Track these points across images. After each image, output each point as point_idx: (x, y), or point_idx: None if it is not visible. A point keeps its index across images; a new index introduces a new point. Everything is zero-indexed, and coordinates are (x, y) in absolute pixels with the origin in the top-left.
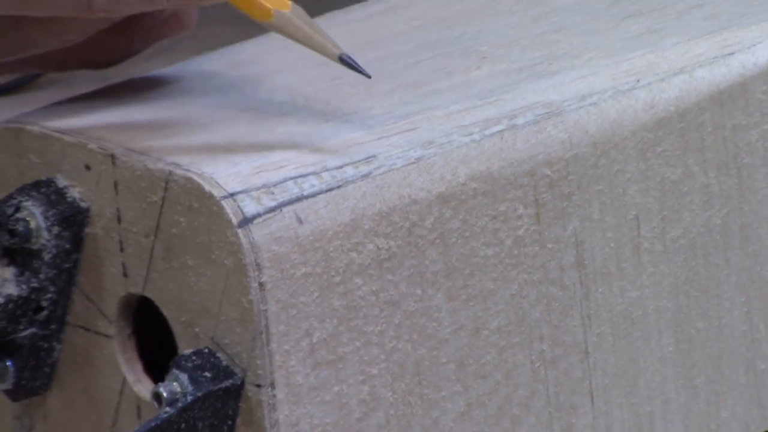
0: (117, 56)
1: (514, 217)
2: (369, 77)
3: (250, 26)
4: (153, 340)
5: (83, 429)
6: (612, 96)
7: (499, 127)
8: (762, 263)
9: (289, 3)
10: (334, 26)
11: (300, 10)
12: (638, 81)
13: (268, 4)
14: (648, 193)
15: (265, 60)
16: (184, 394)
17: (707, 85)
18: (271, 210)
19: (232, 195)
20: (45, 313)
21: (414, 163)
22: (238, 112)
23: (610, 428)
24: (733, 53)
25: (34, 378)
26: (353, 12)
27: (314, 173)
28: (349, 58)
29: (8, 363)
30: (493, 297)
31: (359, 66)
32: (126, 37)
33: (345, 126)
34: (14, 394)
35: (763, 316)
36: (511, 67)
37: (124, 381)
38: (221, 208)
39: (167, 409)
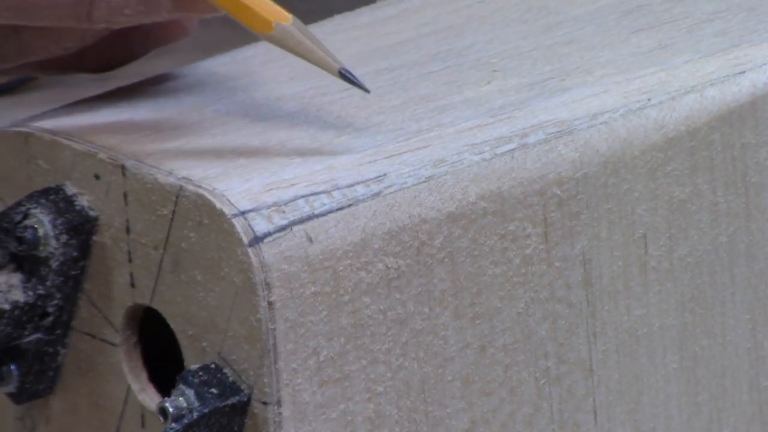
0: (116, 61)
1: (522, 236)
2: (368, 92)
3: None
4: (158, 347)
5: None
6: (623, 115)
7: (510, 146)
8: (767, 281)
9: (290, 16)
10: (343, 30)
11: (300, 23)
12: (649, 100)
13: (268, 17)
14: (656, 212)
15: (276, 66)
16: (191, 410)
17: (717, 104)
18: (282, 229)
19: (242, 213)
20: (50, 318)
21: (425, 182)
22: (250, 122)
23: None
24: (744, 72)
25: (38, 381)
26: (362, 15)
27: (325, 192)
28: (349, 72)
29: (12, 367)
30: (500, 315)
31: (358, 80)
32: (125, 43)
33: (356, 142)
34: (17, 397)
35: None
36: (522, 82)
37: (128, 389)
38: (232, 226)
39: (173, 425)
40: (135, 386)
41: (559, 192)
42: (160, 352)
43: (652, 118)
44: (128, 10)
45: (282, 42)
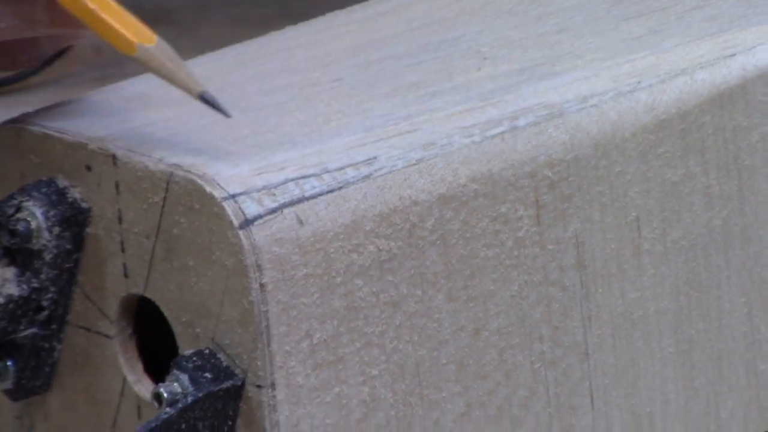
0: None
1: (514, 218)
2: (229, 117)
3: (250, 26)
4: (154, 340)
5: (83, 429)
6: (613, 97)
7: (500, 129)
8: (763, 264)
9: (155, 37)
10: (335, 27)
11: (164, 44)
12: (639, 83)
13: (132, 38)
14: (649, 195)
15: (267, 61)
16: (185, 395)
17: (708, 86)
18: (272, 211)
19: (233, 196)
20: (46, 313)
21: (415, 164)
22: (240, 112)
23: (610, 429)
24: (733, 55)
25: (35, 378)
26: (355, 12)
27: (315, 174)
28: (210, 96)
29: (9, 363)
30: (494, 298)
31: (219, 105)
32: (10, 55)
33: (346, 127)
34: (14, 394)
35: (764, 317)
36: (512, 68)
37: (124, 381)
38: (222, 209)
39: (167, 409)
40: (131, 378)
41: (550, 174)
42: (155, 347)
43: (642, 101)
44: (3, 23)
45: (145, 63)
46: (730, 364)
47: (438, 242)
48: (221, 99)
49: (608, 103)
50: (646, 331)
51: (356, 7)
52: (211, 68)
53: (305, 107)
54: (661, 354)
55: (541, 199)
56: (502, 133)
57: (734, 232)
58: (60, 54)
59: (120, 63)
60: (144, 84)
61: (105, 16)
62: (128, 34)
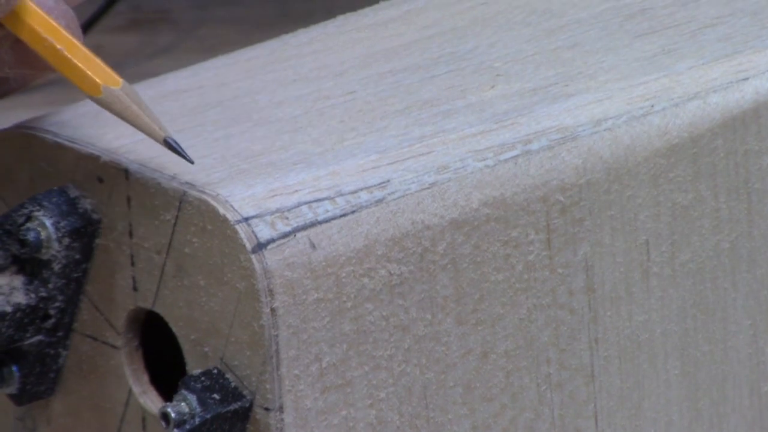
0: None
1: (525, 242)
2: (192, 163)
3: (250, 27)
4: (160, 350)
5: None
6: (626, 121)
7: (514, 153)
8: None
9: (120, 80)
10: (347, 32)
11: (130, 88)
12: (652, 106)
13: (98, 80)
14: (659, 218)
15: (279, 68)
16: (193, 416)
17: (721, 110)
18: (285, 235)
19: (246, 219)
20: (52, 321)
21: (428, 188)
22: (252, 126)
23: None
24: (747, 78)
25: (39, 383)
26: (365, 17)
27: (329, 198)
28: (174, 141)
29: (14, 368)
30: (502, 321)
31: (183, 151)
32: None
33: (360, 147)
34: (19, 399)
35: None
36: (525, 87)
37: (130, 392)
38: (235, 232)
39: (175, 430)
40: (136, 389)
41: (562, 198)
42: (162, 355)
43: (656, 125)
44: None
45: (110, 105)
46: (735, 385)
47: (449, 266)
48: (234, 111)
49: (621, 127)
50: (652, 353)
51: (367, 11)
52: (221, 74)
53: (318, 123)
54: (667, 376)
55: (552, 224)
56: (515, 157)
57: (742, 255)
58: None
59: (119, 63)
60: (156, 90)
61: (72, 57)
62: (94, 76)
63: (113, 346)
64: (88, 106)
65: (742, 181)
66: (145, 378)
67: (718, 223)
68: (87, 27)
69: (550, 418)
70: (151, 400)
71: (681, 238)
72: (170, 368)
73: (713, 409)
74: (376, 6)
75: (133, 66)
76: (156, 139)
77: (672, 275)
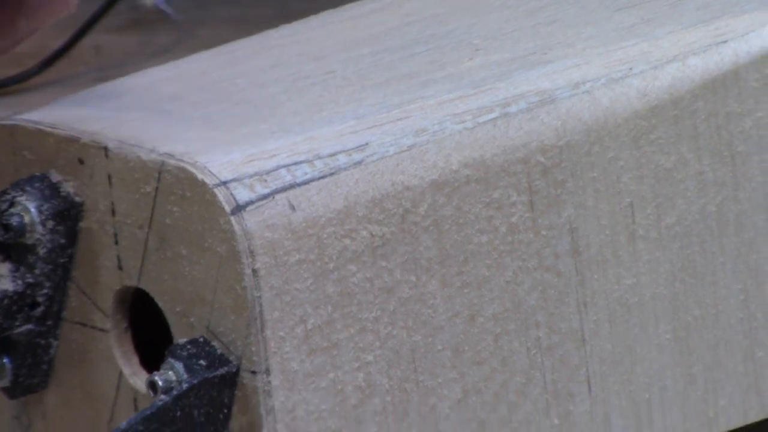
0: (4, 41)
1: (507, 204)
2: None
3: (249, 26)
4: (149, 335)
5: (81, 425)
6: (605, 84)
7: (492, 115)
8: (758, 251)
9: None
10: (329, 24)
11: None
12: (631, 69)
13: None
14: (642, 181)
15: (260, 56)
16: (180, 383)
17: (700, 73)
18: (264, 197)
19: (224, 183)
20: (41, 309)
21: (407, 150)
22: (232, 105)
23: (608, 416)
24: (726, 41)
25: (32, 375)
26: (348, 10)
27: (307, 161)
28: None
29: (5, 360)
30: (488, 284)
31: None
32: (10, 18)
33: (338, 116)
34: (12, 392)
35: (761, 304)
36: (504, 58)
37: (120, 375)
38: (214, 196)
39: (162, 396)
40: (126, 370)
41: (542, 160)
42: (152, 343)
43: (635, 87)
44: None
45: None
46: (728, 351)
47: (431, 228)
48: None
49: (600, 90)
50: (643, 317)
51: (349, 6)
52: (203, 65)
53: (297, 98)
54: (658, 340)
55: (534, 185)
56: (494, 119)
57: (729, 219)
58: (59, 55)
59: (119, 63)
60: (137, 80)
61: None
62: None
63: (102, 330)
64: (69, 99)
65: (725, 144)
66: (135, 359)
67: (702, 186)
68: (87, 27)
69: (542, 382)
70: (141, 381)
71: (666, 201)
72: (160, 354)
73: (707, 375)
74: (359, 2)
75: (133, 66)
76: None
77: (658, 238)
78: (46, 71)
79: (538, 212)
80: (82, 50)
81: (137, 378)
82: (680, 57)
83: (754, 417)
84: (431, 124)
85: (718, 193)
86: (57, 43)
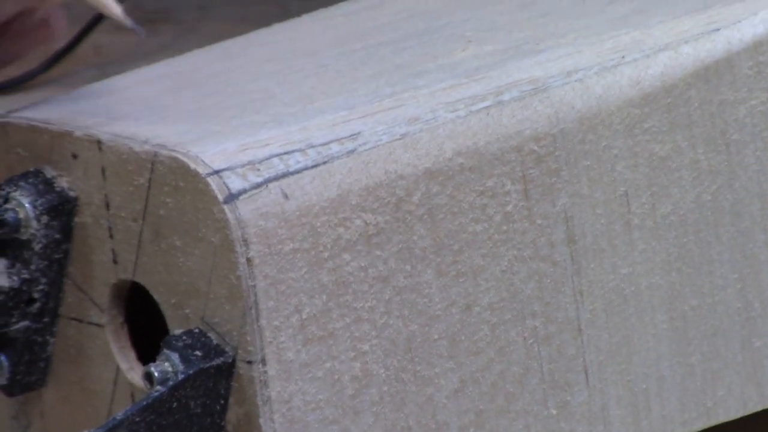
0: None
1: (502, 192)
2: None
3: (250, 26)
4: (146, 331)
5: (79, 422)
6: (597, 72)
7: (485, 104)
8: (754, 240)
9: None
10: (322, 21)
11: None
12: (623, 57)
13: None
14: (636, 169)
15: (253, 52)
16: (176, 373)
17: (693, 61)
18: (257, 186)
19: (217, 172)
20: (37, 305)
21: (399, 139)
22: (225, 98)
23: (606, 406)
24: (718, 29)
25: (30, 373)
26: (341, 8)
27: (300, 150)
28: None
29: (2, 357)
30: (484, 273)
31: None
32: None
33: (330, 106)
34: (10, 389)
35: (758, 294)
36: (497, 48)
37: (117, 370)
38: (207, 185)
39: (158, 387)
40: (124, 365)
41: (536, 148)
42: (149, 339)
43: (627, 75)
44: None
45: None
46: (726, 340)
47: (425, 217)
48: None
49: (593, 78)
50: (639, 306)
51: (343, 4)
52: (197, 61)
53: (290, 91)
54: (655, 330)
55: (528, 174)
56: (487, 107)
57: (724, 208)
58: (61, 55)
59: (119, 62)
60: (130, 78)
61: None
62: None
63: (98, 325)
64: (63, 96)
65: (719, 132)
66: (132, 354)
67: (697, 175)
68: (90, 27)
69: (539, 372)
70: (138, 376)
71: (661, 190)
72: (157, 348)
73: (705, 365)
74: (353, 0)
75: (133, 66)
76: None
77: (654, 227)
78: (46, 71)
79: (532, 201)
80: (83, 50)
81: (134, 373)
82: (672, 45)
83: (753, 407)
84: (424, 112)
85: (713, 182)
86: (59, 44)
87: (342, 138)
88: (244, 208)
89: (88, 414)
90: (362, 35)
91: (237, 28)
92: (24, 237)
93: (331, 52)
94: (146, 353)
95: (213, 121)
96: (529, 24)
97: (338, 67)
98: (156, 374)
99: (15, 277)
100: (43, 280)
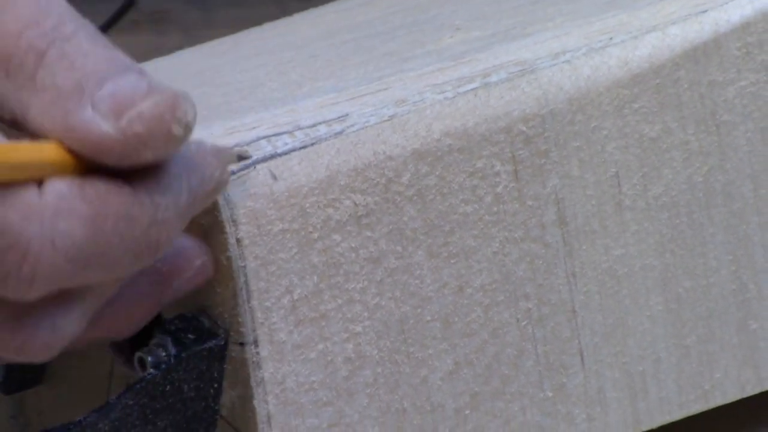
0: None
1: (491, 173)
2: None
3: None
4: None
5: (77, 417)
6: (585, 53)
7: (473, 85)
8: (747, 222)
9: None
10: (313, 17)
11: None
12: (611, 39)
13: None
14: (627, 150)
15: (243, 47)
16: (168, 356)
17: (681, 42)
18: (245, 167)
19: None
20: None
21: (387, 120)
22: (214, 87)
23: (602, 388)
24: (706, 11)
25: (25, 370)
26: (332, 6)
27: (287, 132)
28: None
29: None
30: (475, 254)
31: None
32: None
33: (318, 90)
34: (6, 386)
35: (752, 276)
36: (485, 34)
37: (112, 362)
38: None
39: (151, 371)
40: (118, 356)
41: (525, 129)
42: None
43: (615, 56)
44: None
45: None
46: (721, 322)
47: (415, 198)
48: (196, 80)
49: (581, 59)
50: (633, 288)
51: (335, 3)
52: (187, 58)
53: (278, 78)
54: (650, 312)
55: (517, 155)
56: (474, 89)
57: (716, 189)
58: None
59: None
60: None
61: None
62: None
63: None
64: None
65: (709, 113)
66: (126, 344)
67: (688, 156)
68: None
69: (534, 354)
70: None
71: (652, 171)
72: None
73: (701, 347)
74: None
75: None
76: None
77: (646, 209)
78: None
79: (523, 182)
80: None
81: (129, 363)
82: (660, 26)
83: (750, 390)
84: (411, 94)
85: (704, 163)
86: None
87: (330, 120)
88: (233, 189)
89: (85, 409)
90: (352, 29)
91: (237, 29)
92: None
93: (320, 44)
94: (142, 347)
95: (199, 107)
96: (518, 11)
97: (327, 57)
98: (149, 358)
99: None
100: None
